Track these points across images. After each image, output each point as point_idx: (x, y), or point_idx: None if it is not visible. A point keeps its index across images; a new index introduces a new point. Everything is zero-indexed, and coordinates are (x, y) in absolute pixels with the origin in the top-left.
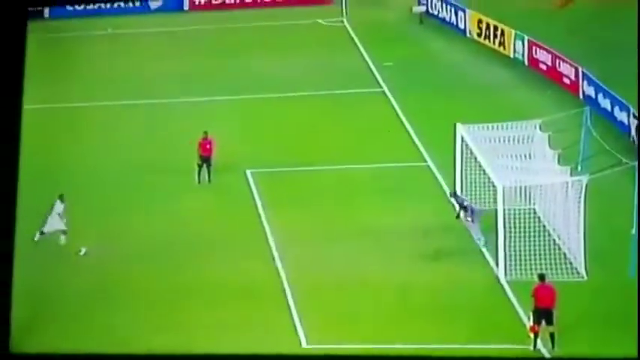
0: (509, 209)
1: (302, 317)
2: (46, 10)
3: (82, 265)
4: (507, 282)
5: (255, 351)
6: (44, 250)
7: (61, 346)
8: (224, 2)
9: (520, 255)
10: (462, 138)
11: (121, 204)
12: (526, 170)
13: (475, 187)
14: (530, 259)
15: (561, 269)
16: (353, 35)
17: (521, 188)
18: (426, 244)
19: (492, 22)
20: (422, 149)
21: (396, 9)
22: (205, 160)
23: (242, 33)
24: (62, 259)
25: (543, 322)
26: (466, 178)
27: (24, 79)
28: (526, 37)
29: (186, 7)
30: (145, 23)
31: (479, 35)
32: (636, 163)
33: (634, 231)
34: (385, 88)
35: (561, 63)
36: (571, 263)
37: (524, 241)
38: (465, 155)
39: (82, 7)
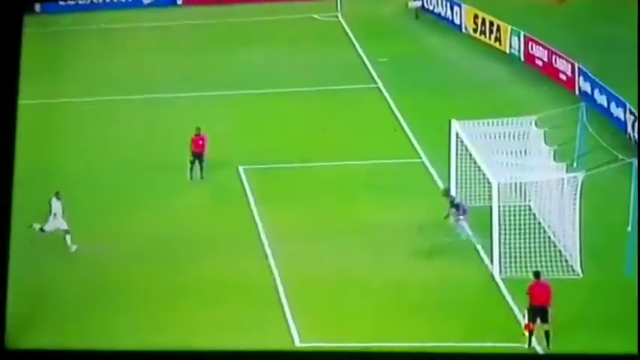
0: (504, 206)
1: (295, 315)
2: (37, 5)
3: (75, 263)
4: (502, 279)
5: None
6: (40, 247)
7: (56, 343)
8: None
9: (515, 252)
10: (457, 134)
11: (112, 201)
12: (521, 167)
13: (470, 183)
14: (525, 257)
15: (557, 267)
16: (348, 30)
17: (516, 185)
18: (420, 241)
19: (488, 18)
20: (417, 145)
21: (391, 4)
22: (198, 156)
23: (235, 28)
24: (57, 256)
25: (538, 320)
26: (461, 174)
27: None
28: (522, 33)
29: (179, 1)
30: (138, 18)
31: (475, 31)
32: (634, 161)
33: (630, 228)
34: (380, 84)
35: (557, 59)
36: (566, 261)
37: (520, 239)
38: (459, 151)
39: (74, 1)
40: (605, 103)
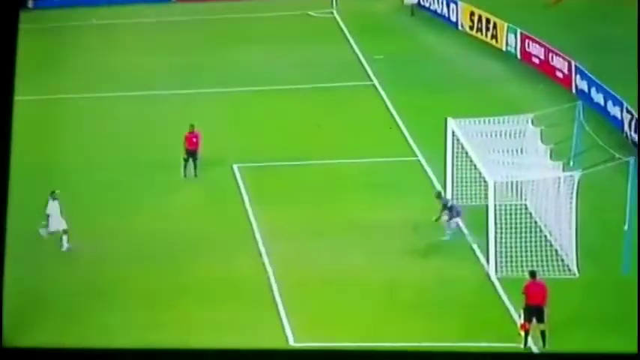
0: (500, 205)
1: (289, 314)
2: (30, 1)
3: (71, 261)
4: (498, 279)
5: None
6: (36, 246)
7: (53, 342)
8: None
9: (511, 251)
10: (453, 132)
11: (105, 199)
12: (518, 165)
13: (466, 182)
14: (521, 256)
15: (553, 266)
16: (343, 27)
17: (512, 184)
18: (415, 240)
19: (485, 15)
20: (412, 144)
21: (386, 0)
22: (192, 154)
23: (230, 25)
24: (53, 255)
25: (534, 320)
26: (457, 173)
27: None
28: (519, 31)
29: None
30: (131, 14)
31: (471, 28)
32: (630, 160)
33: (627, 227)
34: (375, 82)
35: (554, 56)
36: (563, 260)
37: (516, 238)
38: (455, 150)
39: None
40: (601, 102)
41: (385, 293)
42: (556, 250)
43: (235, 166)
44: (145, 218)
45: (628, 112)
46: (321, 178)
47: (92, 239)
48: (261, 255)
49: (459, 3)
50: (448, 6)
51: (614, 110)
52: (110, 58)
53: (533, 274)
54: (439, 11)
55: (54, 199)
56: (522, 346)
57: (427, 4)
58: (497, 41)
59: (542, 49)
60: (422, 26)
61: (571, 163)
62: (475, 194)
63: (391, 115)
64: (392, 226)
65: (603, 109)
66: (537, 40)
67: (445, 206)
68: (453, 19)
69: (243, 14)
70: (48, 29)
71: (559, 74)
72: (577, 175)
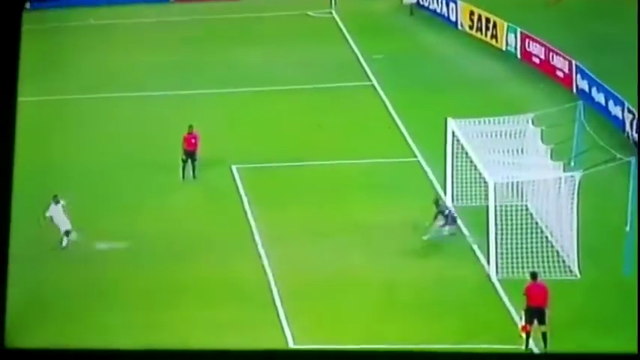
0: (500, 206)
1: (289, 316)
2: (27, 2)
3: (73, 262)
4: (499, 280)
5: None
6: (37, 247)
7: (55, 342)
8: None
9: (512, 253)
10: (453, 133)
11: (104, 200)
12: (518, 166)
13: (466, 182)
14: (522, 257)
15: (554, 267)
16: (342, 27)
17: (513, 184)
18: (415, 241)
19: (484, 14)
20: (412, 144)
21: (385, 0)
22: (190, 155)
23: (228, 25)
24: (55, 256)
25: (535, 322)
26: (457, 173)
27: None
28: (519, 30)
29: None
30: (129, 14)
31: (470, 27)
32: (632, 160)
33: (628, 228)
34: (375, 82)
35: (554, 56)
36: (564, 261)
37: (516, 239)
38: (455, 150)
39: None
40: (602, 102)
41: (385, 294)
42: (557, 251)
43: (234, 167)
44: (144, 219)
45: (629, 111)
46: (320, 179)
47: (92, 240)
48: (260, 256)
49: (459, 2)
50: (447, 5)
51: (615, 110)
52: (108, 58)
53: (534, 275)
54: (438, 11)
55: (56, 203)
56: (523, 348)
57: (426, 4)
58: (497, 41)
59: (543, 49)
60: (421, 26)
61: (572, 163)
62: (475, 195)
63: (390, 115)
64: (392, 227)
65: (604, 109)
66: (537, 39)
67: (442, 213)
68: (453, 18)
69: (242, 14)
70: (45, 30)
71: (559, 74)
72: (578, 175)
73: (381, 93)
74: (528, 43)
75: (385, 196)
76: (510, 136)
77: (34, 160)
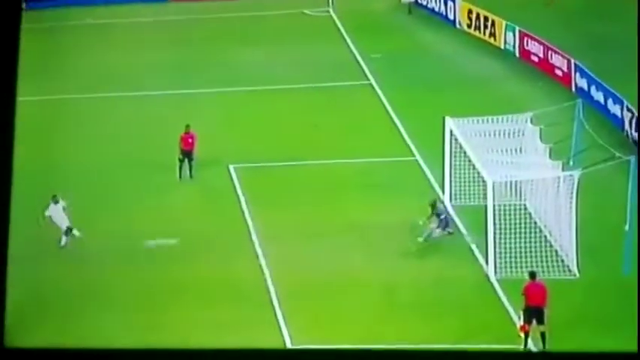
0: (499, 205)
1: (286, 316)
2: (23, 2)
3: (72, 262)
4: (497, 280)
5: None
6: (36, 247)
7: (54, 342)
8: None
9: (510, 252)
10: (451, 132)
11: (101, 200)
12: (517, 165)
13: (464, 182)
14: (520, 257)
15: (553, 267)
16: (339, 26)
17: (511, 183)
18: (412, 241)
19: (483, 13)
20: (410, 143)
21: None
22: (187, 154)
23: (225, 24)
24: (55, 256)
25: (534, 322)
26: (455, 173)
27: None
28: (517, 28)
29: None
30: (126, 13)
31: (469, 26)
32: (631, 159)
33: (627, 227)
34: (373, 81)
35: (553, 55)
36: (563, 261)
37: (515, 238)
38: (453, 149)
39: None
40: (602, 100)
41: (383, 294)
42: (556, 251)
43: (231, 167)
44: (141, 219)
45: (628, 110)
46: (317, 179)
47: (89, 240)
48: (257, 256)
49: (457, 1)
50: (446, 4)
51: (615, 108)
52: (104, 58)
53: (532, 274)
54: (437, 9)
55: (55, 202)
56: (522, 348)
57: (424, 2)
58: (495, 39)
59: (541, 47)
60: (419, 24)
61: (571, 162)
62: (474, 194)
63: (388, 114)
64: (390, 227)
65: (603, 108)
66: (536, 37)
67: (438, 216)
68: (451, 17)
69: (239, 13)
70: (41, 29)
71: (558, 72)
72: (577, 174)
73: (379, 92)
74: (527, 41)
75: (383, 196)
76: (509, 135)
77: (32, 159)
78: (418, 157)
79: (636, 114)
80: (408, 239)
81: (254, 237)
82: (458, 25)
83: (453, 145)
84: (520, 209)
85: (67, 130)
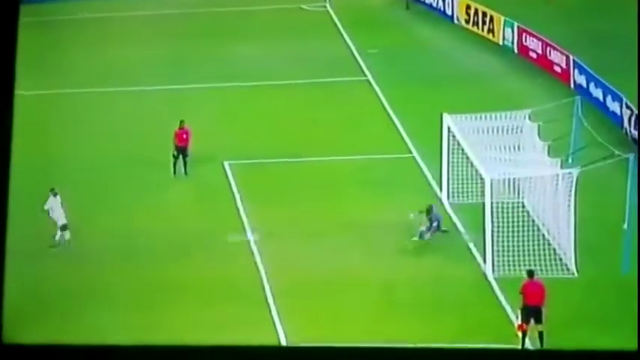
0: (496, 203)
1: (282, 315)
2: None
3: (69, 259)
4: (495, 278)
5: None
6: (33, 243)
7: (51, 338)
8: None
9: (508, 250)
10: (449, 128)
11: (94, 197)
12: (515, 162)
13: (462, 179)
14: (518, 255)
15: (551, 265)
16: (336, 21)
17: (509, 181)
18: (411, 239)
19: (481, 8)
20: (407, 140)
21: None
22: (181, 150)
23: (221, 18)
24: (52, 253)
25: (532, 321)
26: (453, 170)
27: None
28: (516, 24)
29: None
30: (120, 7)
31: (467, 21)
32: (630, 156)
33: (626, 225)
34: (370, 77)
35: (552, 51)
36: (561, 259)
37: (513, 236)
38: (451, 146)
39: None
40: (600, 97)
41: (381, 293)
42: (554, 249)
43: (226, 163)
44: (136, 216)
45: (627, 107)
46: (314, 176)
47: (84, 237)
48: (253, 254)
49: None
50: None
51: (614, 106)
52: (99, 52)
53: (530, 273)
54: (434, 4)
55: (54, 195)
56: (520, 347)
57: None
58: (493, 35)
59: (540, 43)
60: (417, 20)
61: (569, 159)
62: (471, 192)
63: (386, 110)
64: (387, 225)
65: (602, 105)
66: (535, 33)
67: (430, 220)
68: (449, 12)
69: (235, 7)
70: (36, 23)
71: (557, 69)
72: (575, 172)
73: (376, 88)
74: (525, 37)
75: (380, 193)
76: (507, 132)
77: (28, 156)
78: (415, 154)
79: (636, 111)
80: (405, 237)
81: (249, 235)
82: (456, 21)
83: (451, 142)
84: (518, 207)
85: (62, 125)
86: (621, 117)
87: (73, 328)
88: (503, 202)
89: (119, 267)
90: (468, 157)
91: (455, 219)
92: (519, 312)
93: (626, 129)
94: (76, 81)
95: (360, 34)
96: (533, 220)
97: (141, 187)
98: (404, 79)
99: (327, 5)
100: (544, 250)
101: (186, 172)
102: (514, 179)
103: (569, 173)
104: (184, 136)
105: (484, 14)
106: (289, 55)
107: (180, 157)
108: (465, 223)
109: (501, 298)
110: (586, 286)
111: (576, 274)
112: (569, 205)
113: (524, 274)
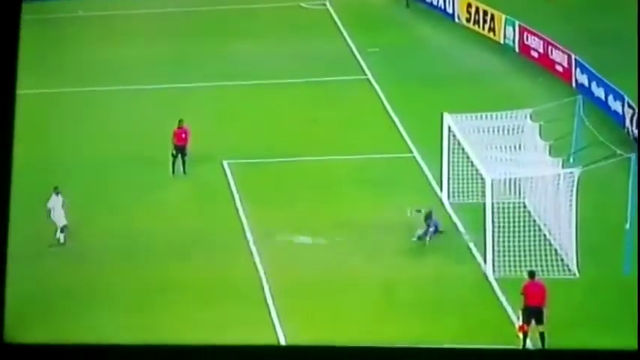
0: (497, 203)
1: (281, 315)
2: None
3: (70, 259)
4: (496, 279)
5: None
6: (36, 244)
7: (52, 338)
8: None
9: (509, 251)
10: (450, 128)
11: (93, 196)
12: (516, 162)
13: (462, 179)
14: (519, 256)
15: (552, 266)
16: (336, 19)
17: (510, 181)
18: (410, 239)
19: (482, 7)
20: (408, 139)
21: None
22: (180, 149)
23: (220, 16)
24: (54, 253)
25: (533, 322)
26: (453, 170)
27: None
28: (517, 23)
29: None
30: (118, 5)
31: (468, 20)
32: (632, 156)
33: (628, 225)
34: (370, 76)
35: (553, 50)
36: (562, 260)
37: (514, 237)
38: (452, 146)
39: None
40: (602, 96)
41: (381, 293)
42: (555, 250)
43: (225, 163)
44: (134, 216)
45: (629, 106)
46: (314, 175)
47: (84, 237)
48: (252, 254)
49: None
50: None
51: (615, 105)
52: (95, 51)
53: (532, 274)
54: (435, 3)
55: (57, 194)
56: (521, 348)
57: None
58: (494, 34)
59: (542, 42)
60: (417, 18)
61: (571, 159)
62: (472, 192)
63: (386, 110)
64: (387, 225)
65: (604, 104)
66: (536, 32)
67: (428, 225)
68: (450, 10)
69: (234, 6)
70: (31, 21)
71: (558, 68)
72: (577, 171)
73: (377, 87)
74: (527, 36)
75: (380, 193)
76: (508, 131)
77: (28, 155)
78: (416, 153)
79: (637, 110)
80: (405, 237)
81: (248, 234)
82: (457, 19)
83: (451, 142)
84: (519, 207)
85: (61, 124)
86: (623, 116)
87: (72, 327)
88: (504, 202)
89: (119, 267)
90: (468, 157)
91: (455, 219)
92: (520, 313)
93: (627, 128)
94: (75, 79)
95: (360, 33)
96: (535, 221)
97: (139, 186)
98: (404, 78)
99: (327, 3)
100: (545, 250)
101: (185, 172)
102: (515, 179)
103: (571, 173)
104: (183, 135)
105: (485, 13)
106: (289, 53)
107: (179, 156)
108: (466, 223)
109: (502, 298)
110: (588, 286)
111: (578, 274)
112: (570, 205)
113: (525, 275)
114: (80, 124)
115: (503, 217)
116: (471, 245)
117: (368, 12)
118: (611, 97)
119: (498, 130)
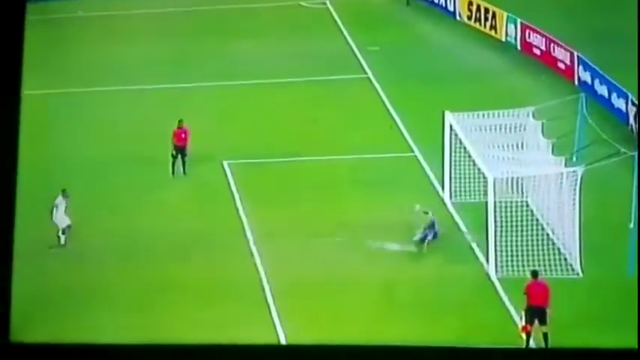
0: (500, 202)
1: (282, 315)
2: None
3: (72, 259)
4: (498, 279)
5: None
6: (40, 244)
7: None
8: None
9: (512, 250)
10: (451, 126)
11: (93, 197)
12: (518, 161)
13: (464, 178)
14: (522, 255)
15: (555, 265)
16: (336, 18)
17: (512, 180)
18: (411, 239)
19: (483, 4)
20: (409, 138)
21: None
22: (180, 150)
23: (220, 16)
24: (57, 254)
25: (536, 322)
26: (455, 168)
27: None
28: (519, 20)
29: None
30: (118, 5)
31: (469, 18)
32: (635, 154)
33: (632, 225)
34: (370, 74)
35: (556, 47)
36: (566, 259)
37: (516, 236)
38: (453, 145)
39: None
40: (605, 94)
41: (382, 293)
42: (558, 249)
43: (225, 163)
44: (134, 216)
45: (633, 104)
46: (314, 175)
47: (84, 237)
48: (252, 254)
49: None
50: None
51: (619, 102)
52: (95, 51)
53: (534, 273)
54: (436, 1)
55: (65, 196)
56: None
57: None
58: (496, 32)
59: (544, 40)
60: (418, 16)
61: (574, 158)
62: (474, 191)
63: (387, 109)
64: (388, 225)
65: (607, 102)
66: (538, 30)
67: (426, 235)
68: (451, 8)
69: (234, 5)
70: (31, 22)
71: (561, 65)
72: (580, 170)
73: (377, 86)
74: (529, 34)
75: (381, 193)
76: (510, 129)
77: (31, 156)
78: (417, 152)
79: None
80: (406, 237)
81: (248, 234)
82: (458, 17)
83: (453, 140)
84: (522, 206)
85: (61, 125)
86: (627, 114)
87: (72, 327)
88: (506, 201)
89: (119, 267)
90: (470, 156)
91: (457, 218)
92: (523, 313)
93: (631, 126)
94: (75, 80)
95: (361, 31)
96: (537, 220)
97: (140, 186)
98: (405, 76)
99: (327, 2)
100: (548, 249)
101: (184, 172)
102: (517, 178)
103: (574, 171)
104: (183, 135)
105: (486, 10)
106: (289, 53)
107: (179, 156)
108: (468, 222)
109: (505, 298)
110: (591, 286)
111: (581, 274)
112: (573, 204)
113: (528, 275)
114: (80, 125)
115: (506, 217)
116: (473, 245)
117: (368, 10)
118: (614, 95)
119: (500, 129)
